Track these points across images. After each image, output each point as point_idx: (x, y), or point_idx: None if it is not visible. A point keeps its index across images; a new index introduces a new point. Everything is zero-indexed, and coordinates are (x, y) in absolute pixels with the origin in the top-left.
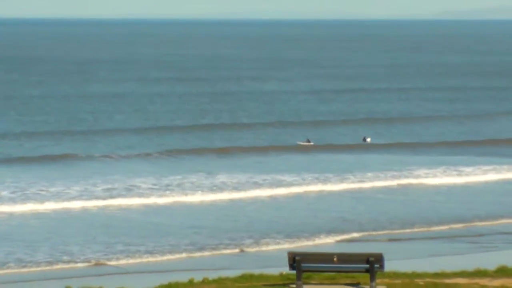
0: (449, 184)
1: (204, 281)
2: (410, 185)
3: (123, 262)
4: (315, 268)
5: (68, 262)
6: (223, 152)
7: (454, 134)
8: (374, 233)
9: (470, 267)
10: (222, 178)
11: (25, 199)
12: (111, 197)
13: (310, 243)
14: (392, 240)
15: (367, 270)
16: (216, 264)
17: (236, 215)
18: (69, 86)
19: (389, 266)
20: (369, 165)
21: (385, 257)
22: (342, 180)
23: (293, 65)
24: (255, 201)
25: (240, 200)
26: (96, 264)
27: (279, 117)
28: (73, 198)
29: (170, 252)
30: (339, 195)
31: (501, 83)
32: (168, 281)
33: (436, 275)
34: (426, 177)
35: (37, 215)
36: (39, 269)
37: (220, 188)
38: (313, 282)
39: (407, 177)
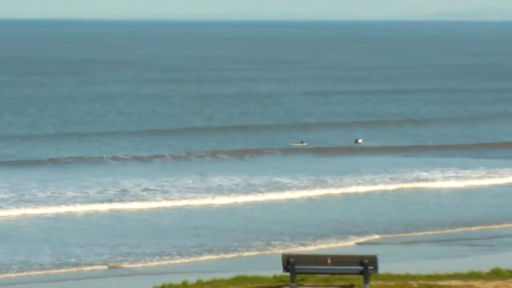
0: (444, 187)
1: (198, 283)
2: (402, 189)
3: (116, 264)
4: (309, 270)
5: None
6: (216, 154)
7: (447, 136)
8: (372, 236)
9: (464, 269)
10: (217, 180)
11: (19, 201)
12: (106, 200)
13: (310, 248)
14: (387, 243)
15: (361, 272)
16: (211, 267)
17: (234, 218)
18: (62, 87)
19: (383, 268)
20: (361, 168)
21: (380, 259)
22: (338, 183)
23: (286, 66)
24: (252, 203)
25: (237, 203)
26: (85, 265)
27: (273, 118)
28: (65, 202)
29: (164, 255)
30: (335, 198)
31: (495, 85)
32: (162, 283)
33: (430, 277)
34: (421, 179)
35: (31, 219)
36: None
37: (216, 190)
38: (307, 284)
39: (401, 179)
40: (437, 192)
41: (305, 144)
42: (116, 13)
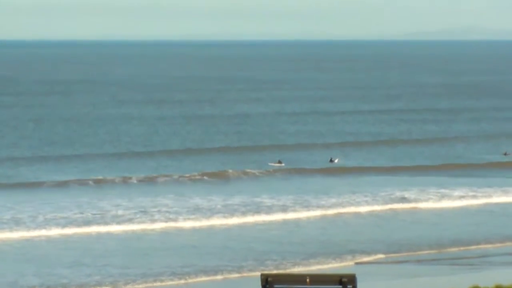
0: (421, 207)
1: None
2: (380, 210)
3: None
4: None
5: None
6: (195, 177)
7: (424, 156)
8: (365, 258)
9: (444, 287)
10: (196, 201)
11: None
12: (85, 224)
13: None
14: (366, 263)
15: None
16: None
17: (213, 240)
18: (42, 108)
19: (362, 287)
20: (336, 187)
21: (359, 278)
22: (318, 204)
23: (264, 86)
24: (233, 224)
25: (216, 225)
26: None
27: (250, 139)
28: (40, 225)
29: (145, 276)
30: (316, 219)
31: (473, 104)
32: None
33: None
34: (398, 199)
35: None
36: None
37: (197, 210)
38: None
39: (379, 199)
40: (414, 212)
41: (282, 164)
42: (108, 33)
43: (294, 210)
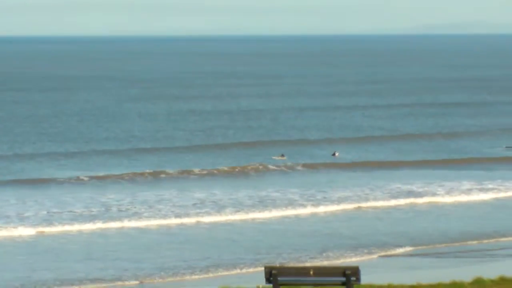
0: (431, 201)
1: None
2: (371, 208)
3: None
4: (291, 282)
5: None
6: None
7: (428, 150)
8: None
9: (447, 279)
10: (199, 195)
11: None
12: (90, 220)
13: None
14: (369, 254)
15: (343, 283)
16: (194, 281)
17: (223, 234)
18: (46, 104)
19: (366, 279)
20: (338, 181)
21: (362, 270)
22: (319, 200)
23: (271, 80)
24: (239, 220)
25: (220, 221)
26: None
27: (256, 134)
28: (46, 221)
29: (144, 273)
30: (318, 214)
31: (480, 99)
32: None
33: (413, 287)
34: (404, 193)
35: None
36: None
37: (203, 205)
38: None
39: (383, 192)
40: (424, 207)
41: (285, 158)
42: (112, 29)
43: (311, 205)
